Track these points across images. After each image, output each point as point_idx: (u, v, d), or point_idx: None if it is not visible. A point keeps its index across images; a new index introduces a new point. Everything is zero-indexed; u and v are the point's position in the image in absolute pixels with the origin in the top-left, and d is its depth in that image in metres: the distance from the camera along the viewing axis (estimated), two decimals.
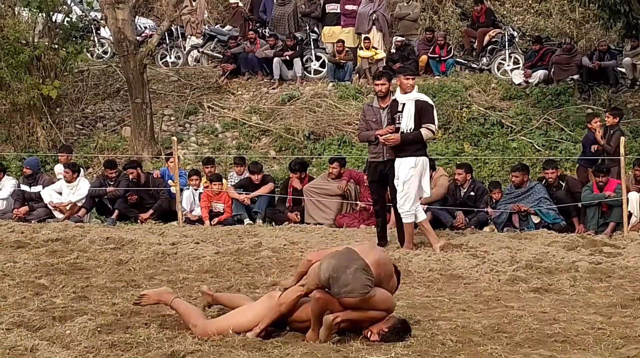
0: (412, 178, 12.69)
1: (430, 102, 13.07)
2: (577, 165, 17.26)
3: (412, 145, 12.75)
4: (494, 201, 15.61)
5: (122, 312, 8.57)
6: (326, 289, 7.44)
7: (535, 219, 14.99)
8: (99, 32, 26.60)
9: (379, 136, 12.82)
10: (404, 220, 12.92)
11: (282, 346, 7.33)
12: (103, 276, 11.08)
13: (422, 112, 12.73)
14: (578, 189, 15.36)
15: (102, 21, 24.98)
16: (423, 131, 12.70)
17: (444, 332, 7.77)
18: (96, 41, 26.54)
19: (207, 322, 7.82)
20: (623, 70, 22.44)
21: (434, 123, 12.88)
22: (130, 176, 17.10)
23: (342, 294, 7.33)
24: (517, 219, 15.17)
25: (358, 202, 16.18)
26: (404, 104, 12.74)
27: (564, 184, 15.40)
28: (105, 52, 26.60)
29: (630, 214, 14.56)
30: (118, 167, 17.65)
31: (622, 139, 15.06)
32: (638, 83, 22.30)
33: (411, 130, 12.65)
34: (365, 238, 13.95)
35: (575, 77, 22.28)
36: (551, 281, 10.46)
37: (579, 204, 15.08)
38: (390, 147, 12.83)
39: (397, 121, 12.77)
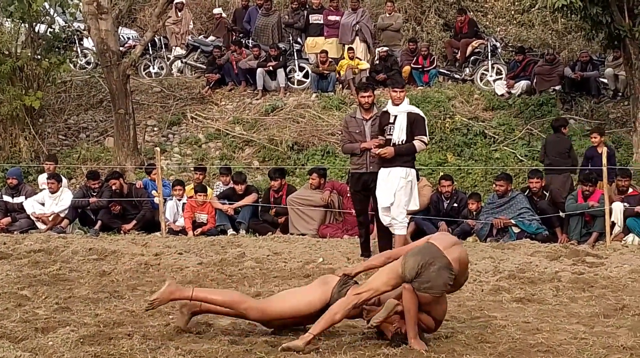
0: (403, 189, 12.70)
1: (422, 114, 13.16)
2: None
3: (403, 156, 12.81)
4: (473, 212, 15.63)
5: (105, 323, 8.54)
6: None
7: (516, 230, 15.03)
8: (81, 42, 26.52)
9: (372, 149, 12.79)
10: (396, 231, 12.90)
11: (265, 356, 7.32)
12: (86, 287, 11.04)
13: (414, 125, 12.79)
14: (561, 199, 15.41)
15: (85, 32, 24.91)
16: (416, 143, 12.77)
17: (427, 342, 7.76)
18: (79, 52, 26.47)
19: (260, 303, 7.98)
20: (605, 81, 22.54)
21: (425, 135, 12.99)
22: (113, 187, 17.07)
23: (422, 289, 7.48)
24: (496, 231, 15.23)
25: (341, 211, 16.18)
26: (395, 116, 12.79)
27: (547, 194, 15.45)
28: (88, 63, 26.56)
29: (613, 224, 14.63)
30: (101, 178, 17.62)
31: (604, 149, 15.20)
32: (620, 94, 22.40)
33: (403, 142, 12.67)
34: (348, 249, 13.97)
35: (558, 87, 22.37)
36: (534, 291, 10.49)
37: (562, 214, 15.13)
38: (380, 159, 12.82)
39: (388, 133, 12.82)
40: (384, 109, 13.10)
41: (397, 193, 12.67)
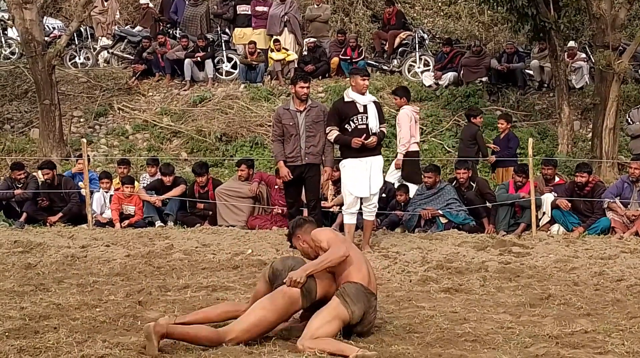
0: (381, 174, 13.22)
1: None
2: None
3: (379, 144, 13.25)
4: (401, 203, 15.68)
5: (31, 316, 8.44)
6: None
7: (444, 220, 15.11)
8: (6, 32, 26.20)
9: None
10: (371, 218, 13.41)
11: (191, 349, 7.27)
12: (11, 280, 10.90)
13: (380, 113, 13.19)
14: (488, 190, 15.53)
15: (9, 21, 24.61)
16: (384, 129, 13.37)
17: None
18: (3, 42, 26.14)
19: (238, 328, 7.55)
20: (531, 72, 22.79)
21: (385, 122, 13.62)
22: (45, 177, 16.84)
23: (364, 331, 7.76)
24: (424, 222, 15.30)
25: (272, 207, 16.14)
26: (365, 106, 12.97)
27: (474, 185, 15.55)
28: (12, 53, 26.20)
29: (543, 214, 14.81)
30: (26, 169, 17.38)
31: (530, 140, 15.41)
32: (545, 85, 22.66)
33: (379, 130, 13.05)
34: (277, 241, 13.95)
35: (484, 79, 22.56)
36: (461, 282, 10.56)
37: (489, 205, 15.25)
38: (356, 148, 12.95)
39: (361, 122, 12.96)
40: (347, 100, 13.09)
41: (379, 181, 13.12)
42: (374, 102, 13.16)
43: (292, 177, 13.25)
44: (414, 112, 16.15)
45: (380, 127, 13.06)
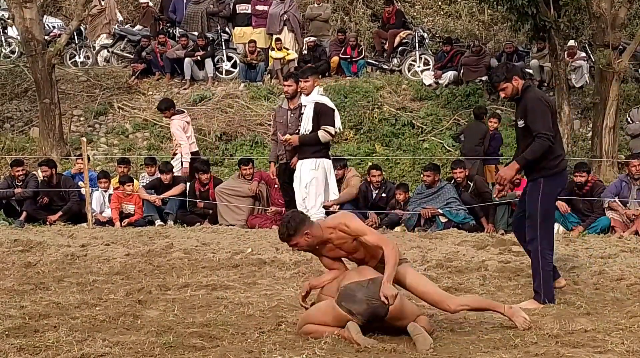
0: (313, 180, 12.87)
1: (330, 104, 13.35)
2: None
3: (310, 147, 13.00)
4: (400, 202, 15.68)
5: (31, 315, 8.43)
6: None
7: (443, 219, 15.12)
8: (6, 31, 26.20)
9: (280, 137, 12.93)
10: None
11: (192, 348, 7.27)
12: (11, 279, 10.90)
13: (320, 115, 13.01)
14: (486, 189, 15.53)
15: (9, 20, 24.60)
16: (320, 133, 13.04)
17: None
18: (3, 40, 26.15)
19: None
20: (531, 71, 22.78)
21: (332, 125, 13.16)
22: (43, 174, 16.83)
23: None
24: (424, 221, 15.31)
25: (271, 207, 16.14)
26: (305, 106, 12.95)
27: (472, 184, 15.55)
28: (12, 52, 26.20)
29: None
30: (25, 166, 17.36)
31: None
32: (545, 84, 22.65)
33: (308, 132, 12.86)
34: (277, 240, 13.93)
35: (484, 78, 22.55)
36: (461, 281, 10.56)
37: (487, 204, 15.24)
38: (291, 149, 12.96)
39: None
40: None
41: (308, 185, 12.88)
42: (316, 103, 13.12)
43: (275, 177, 13.36)
44: (184, 119, 16.93)
45: (320, 129, 13.01)
